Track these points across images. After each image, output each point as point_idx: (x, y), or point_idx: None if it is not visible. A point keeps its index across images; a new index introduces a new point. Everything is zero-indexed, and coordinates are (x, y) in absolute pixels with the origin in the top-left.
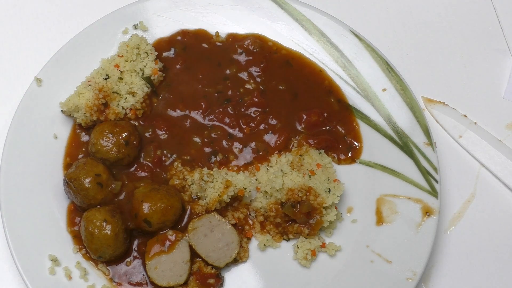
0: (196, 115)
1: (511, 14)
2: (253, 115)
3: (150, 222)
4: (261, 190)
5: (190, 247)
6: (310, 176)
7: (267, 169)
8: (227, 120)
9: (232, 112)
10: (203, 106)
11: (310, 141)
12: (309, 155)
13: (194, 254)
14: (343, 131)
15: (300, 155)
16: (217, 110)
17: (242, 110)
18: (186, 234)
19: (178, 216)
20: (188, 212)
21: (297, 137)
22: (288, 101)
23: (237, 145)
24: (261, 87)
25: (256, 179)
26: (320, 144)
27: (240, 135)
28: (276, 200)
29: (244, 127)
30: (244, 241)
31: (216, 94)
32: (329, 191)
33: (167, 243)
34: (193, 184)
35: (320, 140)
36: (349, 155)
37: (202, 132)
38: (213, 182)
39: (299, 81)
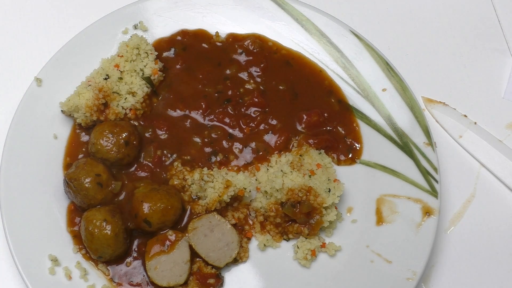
0: (196, 115)
1: (511, 14)
2: (253, 115)
3: (150, 222)
4: (261, 190)
5: (190, 247)
6: (310, 176)
7: (267, 169)
8: (227, 120)
9: (232, 112)
10: (203, 106)
11: (310, 141)
12: (309, 155)
13: (194, 254)
14: (343, 132)
15: (300, 155)
16: (217, 110)
17: (242, 110)
18: (186, 234)
19: (178, 216)
20: (188, 212)
21: (297, 137)
22: (288, 101)
23: (237, 145)
24: (261, 87)
25: (256, 179)
26: (320, 144)
27: (240, 135)
28: (276, 200)
29: (244, 127)
30: (244, 241)
31: (216, 94)
32: (329, 191)
33: (167, 243)
34: (193, 184)
35: (320, 140)
36: (349, 156)
37: (202, 132)
38: (213, 182)
39: (299, 81)
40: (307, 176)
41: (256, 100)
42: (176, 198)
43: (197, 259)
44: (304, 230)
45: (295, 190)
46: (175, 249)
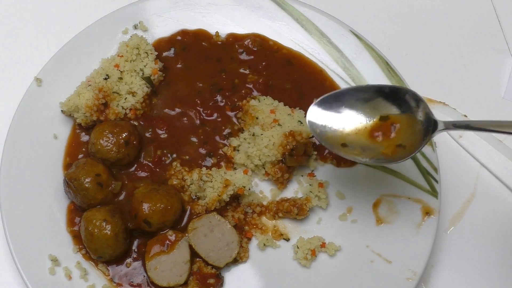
0: (192, 113)
1: (511, 14)
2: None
3: (150, 223)
4: (251, 168)
5: (190, 247)
6: (279, 125)
7: (238, 151)
8: (220, 116)
9: (223, 104)
10: (198, 103)
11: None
12: (254, 109)
13: (194, 254)
14: None
15: (250, 114)
16: (210, 103)
17: (235, 100)
18: (186, 234)
19: (178, 216)
20: (188, 212)
21: None
22: (296, 100)
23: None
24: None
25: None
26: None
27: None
28: (273, 161)
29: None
30: (244, 241)
31: (211, 86)
32: (302, 123)
33: (167, 243)
34: (192, 184)
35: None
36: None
37: (197, 131)
38: (212, 181)
39: (303, 81)
40: (277, 127)
41: (258, 86)
42: (176, 198)
43: (197, 259)
44: (294, 209)
45: (283, 142)
46: (175, 249)
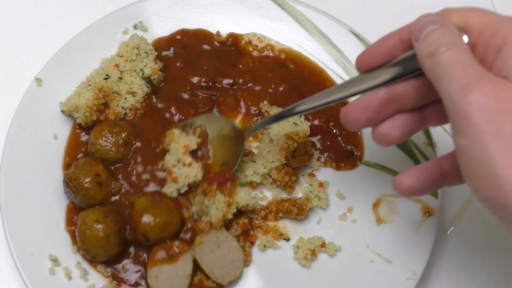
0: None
1: (511, 14)
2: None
3: (148, 238)
4: (258, 180)
5: (195, 261)
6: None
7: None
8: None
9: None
10: (192, 113)
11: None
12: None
13: (197, 269)
14: (343, 144)
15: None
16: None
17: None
18: (192, 247)
19: (176, 231)
20: (186, 227)
21: None
22: (297, 100)
23: None
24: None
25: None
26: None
27: None
28: (278, 167)
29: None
30: (247, 245)
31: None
32: (296, 125)
33: (172, 252)
34: (194, 206)
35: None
36: (350, 160)
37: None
38: (214, 203)
39: (303, 82)
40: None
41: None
42: (176, 214)
43: (199, 272)
44: (294, 209)
45: (283, 146)
46: (178, 261)
